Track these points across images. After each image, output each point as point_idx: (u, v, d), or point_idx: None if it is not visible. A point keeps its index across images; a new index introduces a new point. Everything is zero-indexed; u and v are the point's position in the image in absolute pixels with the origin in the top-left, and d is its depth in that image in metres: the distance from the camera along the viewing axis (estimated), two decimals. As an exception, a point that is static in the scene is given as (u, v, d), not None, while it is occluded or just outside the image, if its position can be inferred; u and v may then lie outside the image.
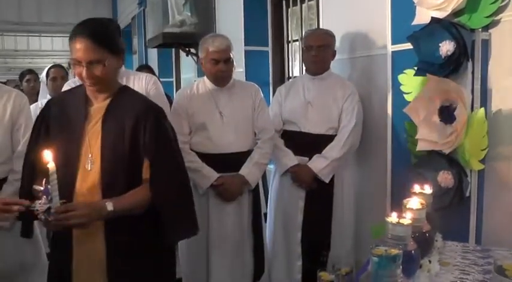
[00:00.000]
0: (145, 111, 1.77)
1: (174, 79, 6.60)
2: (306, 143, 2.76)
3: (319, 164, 2.70)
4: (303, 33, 3.31)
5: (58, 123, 1.80)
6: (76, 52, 1.67)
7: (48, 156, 1.54)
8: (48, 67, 3.81)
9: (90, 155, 1.74)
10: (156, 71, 5.59)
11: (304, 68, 3.04)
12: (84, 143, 1.76)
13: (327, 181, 2.73)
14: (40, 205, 1.56)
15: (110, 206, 1.65)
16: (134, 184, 1.74)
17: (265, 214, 2.97)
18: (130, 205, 1.71)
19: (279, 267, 2.88)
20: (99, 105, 1.80)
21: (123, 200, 1.70)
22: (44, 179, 1.56)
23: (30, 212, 1.59)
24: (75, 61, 1.69)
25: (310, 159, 2.74)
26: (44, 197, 1.56)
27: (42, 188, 1.57)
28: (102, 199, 1.69)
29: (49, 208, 1.55)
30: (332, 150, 2.71)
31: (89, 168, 1.74)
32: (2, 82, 2.68)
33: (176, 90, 6.25)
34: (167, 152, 1.80)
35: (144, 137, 1.74)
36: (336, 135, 2.75)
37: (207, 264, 2.66)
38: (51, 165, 1.54)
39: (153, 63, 6.50)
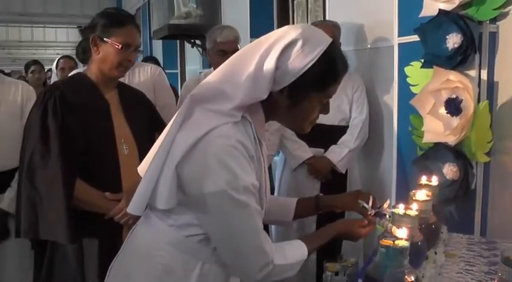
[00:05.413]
0: (143, 95, 2.07)
1: (179, 71, 6.60)
2: (320, 135, 2.74)
3: (336, 154, 2.71)
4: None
5: (80, 110, 1.75)
6: (128, 36, 1.80)
7: None
8: (58, 58, 3.89)
9: (122, 140, 1.80)
10: (161, 62, 5.58)
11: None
12: (113, 128, 1.81)
13: (344, 172, 2.74)
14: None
15: None
16: None
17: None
18: None
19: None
20: (109, 93, 1.86)
21: None
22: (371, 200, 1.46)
23: None
24: (124, 45, 1.78)
25: (325, 150, 2.73)
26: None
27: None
28: None
29: None
30: (348, 141, 2.72)
31: (126, 153, 1.80)
32: (6, 73, 2.71)
33: (181, 82, 6.26)
34: None
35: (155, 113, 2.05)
36: (347, 126, 2.76)
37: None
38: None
39: (158, 54, 6.50)
